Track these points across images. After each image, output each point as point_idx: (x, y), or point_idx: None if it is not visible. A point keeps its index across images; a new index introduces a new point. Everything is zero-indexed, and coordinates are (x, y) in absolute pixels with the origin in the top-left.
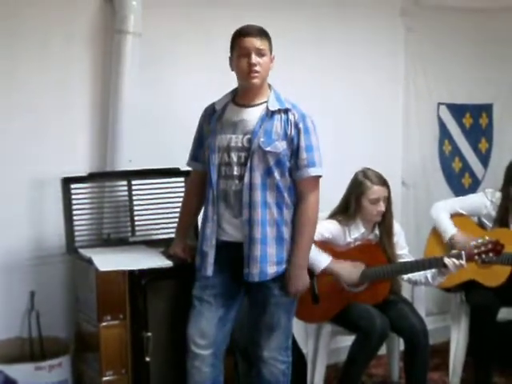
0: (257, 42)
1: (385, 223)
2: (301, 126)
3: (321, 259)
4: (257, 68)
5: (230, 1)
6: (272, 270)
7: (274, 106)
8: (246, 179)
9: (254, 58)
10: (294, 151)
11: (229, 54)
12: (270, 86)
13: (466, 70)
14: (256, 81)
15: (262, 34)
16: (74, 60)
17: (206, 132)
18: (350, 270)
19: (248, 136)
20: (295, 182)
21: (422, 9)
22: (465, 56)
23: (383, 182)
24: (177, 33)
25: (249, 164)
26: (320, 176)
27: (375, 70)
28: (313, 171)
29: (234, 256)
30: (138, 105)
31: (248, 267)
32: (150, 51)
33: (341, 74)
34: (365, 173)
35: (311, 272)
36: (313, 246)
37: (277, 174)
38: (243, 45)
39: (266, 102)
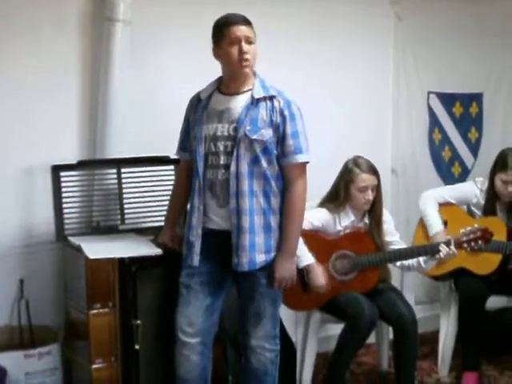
0: (246, 31)
1: (375, 212)
2: (286, 112)
3: (306, 256)
4: (248, 56)
5: None
6: (260, 258)
7: (258, 94)
8: (233, 168)
9: (245, 46)
10: (280, 138)
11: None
12: (254, 73)
13: (456, 59)
14: (247, 70)
15: (249, 22)
16: (63, 47)
17: (192, 122)
18: (322, 282)
19: (234, 125)
20: (282, 169)
21: None
22: (455, 45)
23: (373, 171)
24: (166, 20)
25: (235, 153)
26: (307, 162)
27: (364, 59)
28: (299, 158)
29: (220, 244)
30: (128, 92)
31: (237, 256)
32: (140, 39)
33: (329, 62)
34: (355, 161)
35: None
36: (302, 242)
37: (264, 162)
38: (233, 33)
39: (250, 89)
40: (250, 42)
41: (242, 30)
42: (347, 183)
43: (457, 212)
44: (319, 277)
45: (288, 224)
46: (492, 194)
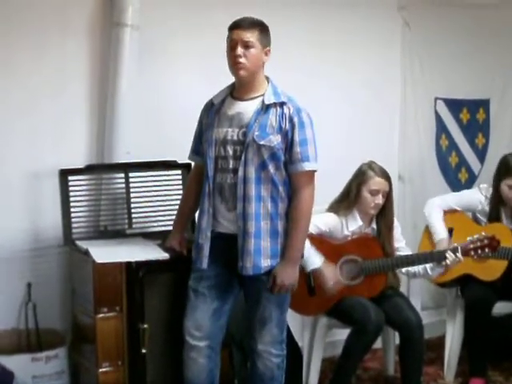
0: (244, 34)
1: (386, 218)
2: (295, 119)
3: (314, 260)
4: (241, 60)
5: None
6: (266, 263)
7: (269, 100)
8: (241, 173)
9: (239, 50)
10: (289, 145)
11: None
12: (267, 78)
13: (463, 65)
14: (241, 72)
15: (253, 26)
16: (71, 52)
17: (205, 125)
18: (335, 281)
19: (243, 130)
20: (290, 176)
21: (420, 3)
22: (462, 51)
23: (386, 176)
24: (175, 25)
25: (243, 158)
26: (314, 171)
27: (372, 64)
28: (307, 166)
29: (229, 248)
30: (136, 97)
31: (242, 261)
32: (148, 43)
33: (337, 67)
34: (370, 164)
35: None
36: (309, 245)
37: (271, 168)
38: (231, 37)
39: (262, 95)
40: (247, 45)
41: (239, 34)
42: (359, 184)
43: (462, 219)
44: (326, 279)
45: (293, 231)
46: (497, 201)
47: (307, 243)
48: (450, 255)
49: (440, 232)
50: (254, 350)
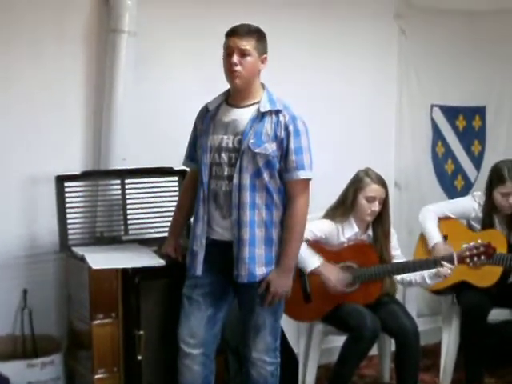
0: (240, 42)
1: (383, 226)
2: (291, 128)
3: (312, 260)
4: (236, 68)
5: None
6: (261, 271)
7: (264, 108)
8: (235, 180)
9: (235, 58)
10: (284, 153)
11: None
12: (263, 86)
13: (459, 72)
14: (237, 81)
15: (250, 33)
16: (68, 58)
17: (200, 132)
18: (339, 277)
19: (239, 137)
20: (285, 184)
21: (416, 11)
22: (458, 58)
23: (382, 184)
24: (172, 31)
25: (238, 165)
26: (309, 179)
27: (368, 72)
28: (302, 174)
29: (223, 255)
30: (132, 103)
31: (237, 269)
32: (145, 50)
33: (334, 75)
34: (367, 171)
35: (301, 271)
36: (305, 246)
37: (266, 176)
38: (227, 44)
39: (258, 102)
40: (244, 53)
41: (235, 41)
42: (356, 191)
43: (457, 226)
44: (328, 278)
45: (288, 239)
46: (490, 208)
47: (303, 246)
48: (445, 264)
49: (434, 236)
50: (247, 358)
